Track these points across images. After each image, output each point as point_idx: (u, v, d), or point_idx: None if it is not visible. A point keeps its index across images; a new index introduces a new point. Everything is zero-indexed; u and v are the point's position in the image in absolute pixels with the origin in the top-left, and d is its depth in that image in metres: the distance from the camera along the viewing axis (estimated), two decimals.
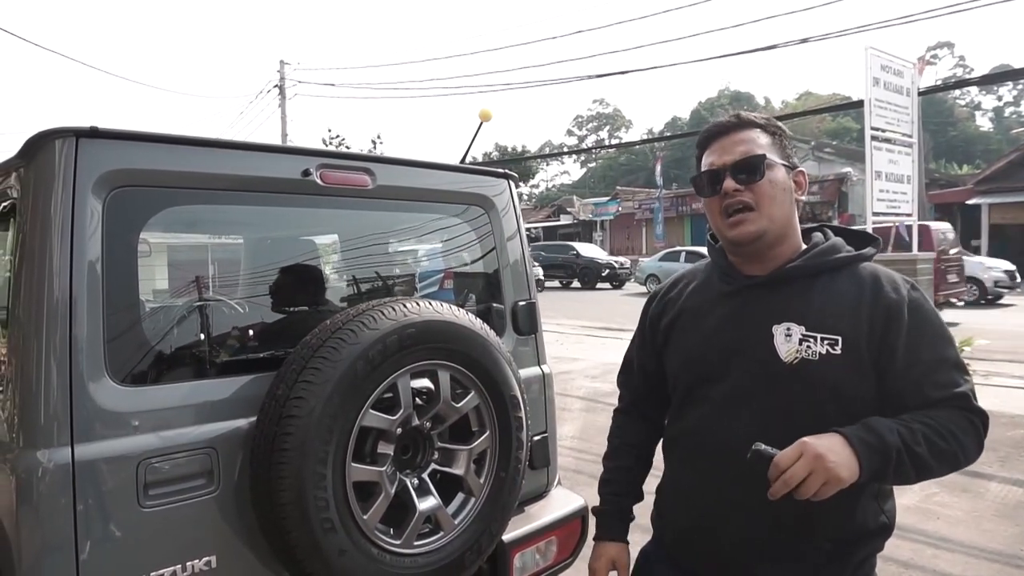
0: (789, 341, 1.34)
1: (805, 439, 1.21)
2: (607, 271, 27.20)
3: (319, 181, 1.96)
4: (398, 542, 1.79)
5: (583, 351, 11.36)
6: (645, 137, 64.66)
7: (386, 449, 1.81)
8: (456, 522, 1.92)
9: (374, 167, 2.10)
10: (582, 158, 72.09)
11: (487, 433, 1.99)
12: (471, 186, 2.40)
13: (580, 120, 71.88)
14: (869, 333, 1.31)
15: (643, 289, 23.85)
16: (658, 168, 35.21)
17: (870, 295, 1.34)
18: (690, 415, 1.49)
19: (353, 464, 1.70)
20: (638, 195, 38.91)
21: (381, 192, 2.11)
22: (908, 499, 4.44)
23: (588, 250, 29.13)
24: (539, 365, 2.55)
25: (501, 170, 2.51)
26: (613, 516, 1.71)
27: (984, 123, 59.28)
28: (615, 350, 11.28)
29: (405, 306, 1.80)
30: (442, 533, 1.89)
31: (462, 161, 2.54)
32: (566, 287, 28.23)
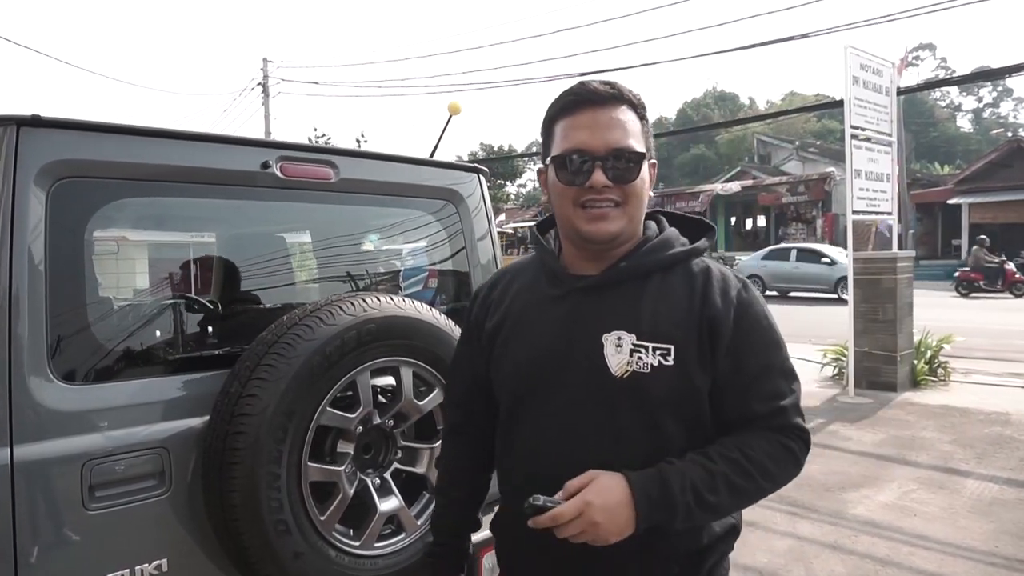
0: (620, 352, 1.21)
1: (590, 498, 1.10)
2: None
3: (279, 174, 1.91)
4: (357, 544, 1.74)
5: None
6: None
7: (346, 448, 1.76)
8: (419, 523, 1.88)
9: (337, 160, 2.04)
10: None
11: None
12: (439, 180, 2.35)
13: None
14: (699, 340, 1.21)
15: None
16: None
17: (699, 299, 1.23)
18: (519, 435, 1.30)
19: (310, 464, 1.65)
20: None
21: (344, 186, 2.06)
22: (885, 496, 4.45)
23: None
24: None
25: (470, 164, 2.46)
26: (446, 558, 1.46)
27: (964, 124, 59.98)
28: None
29: (365, 301, 1.75)
30: (404, 534, 1.84)
31: (431, 155, 2.49)
32: None
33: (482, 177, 2.50)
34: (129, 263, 1.85)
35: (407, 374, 1.83)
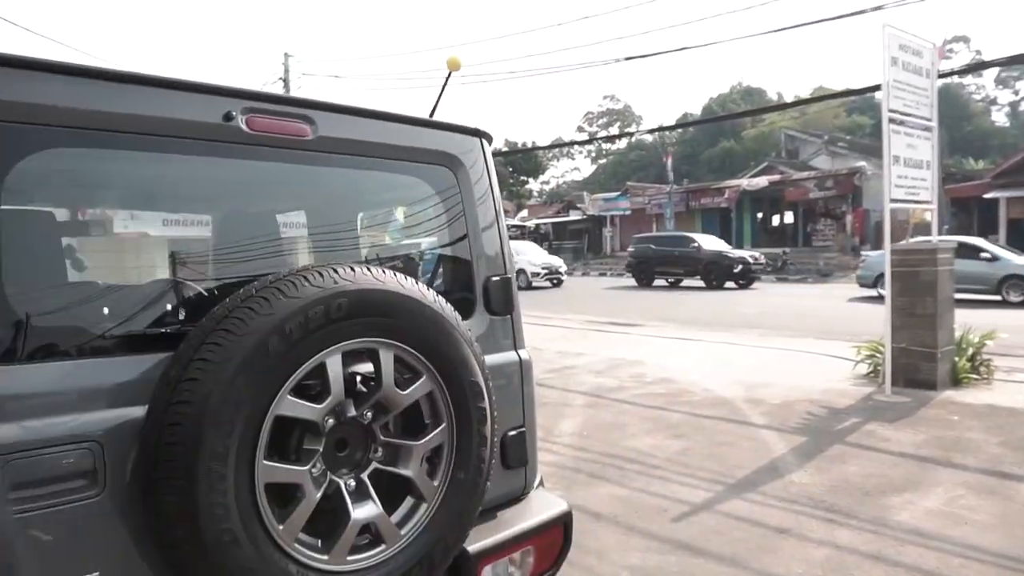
0: None
1: None
2: (739, 267, 22.38)
3: (244, 128, 1.65)
4: (326, 557, 1.48)
5: (588, 346, 11.05)
6: (656, 134, 64.06)
7: (314, 444, 1.50)
8: (402, 532, 1.61)
9: (315, 115, 1.79)
10: (592, 154, 71.63)
11: (442, 426, 1.68)
12: (435, 143, 2.08)
13: (591, 116, 71.24)
14: None
15: (870, 292, 17.26)
16: (668, 163, 34.82)
17: None
18: None
19: (265, 462, 1.39)
20: (648, 190, 38.48)
21: (323, 144, 1.80)
22: (932, 502, 4.10)
23: (711, 242, 24.32)
24: (516, 350, 2.23)
25: (472, 126, 2.19)
26: None
27: (1000, 118, 58.32)
28: (622, 345, 10.96)
29: (335, 272, 1.49)
30: (383, 546, 1.57)
31: (430, 115, 2.22)
32: (674, 286, 24.09)
33: (485, 141, 2.23)
34: (59, 226, 1.60)
35: (387, 358, 1.56)
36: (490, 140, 2.27)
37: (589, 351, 10.50)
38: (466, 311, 2.11)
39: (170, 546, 1.30)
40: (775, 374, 8.13)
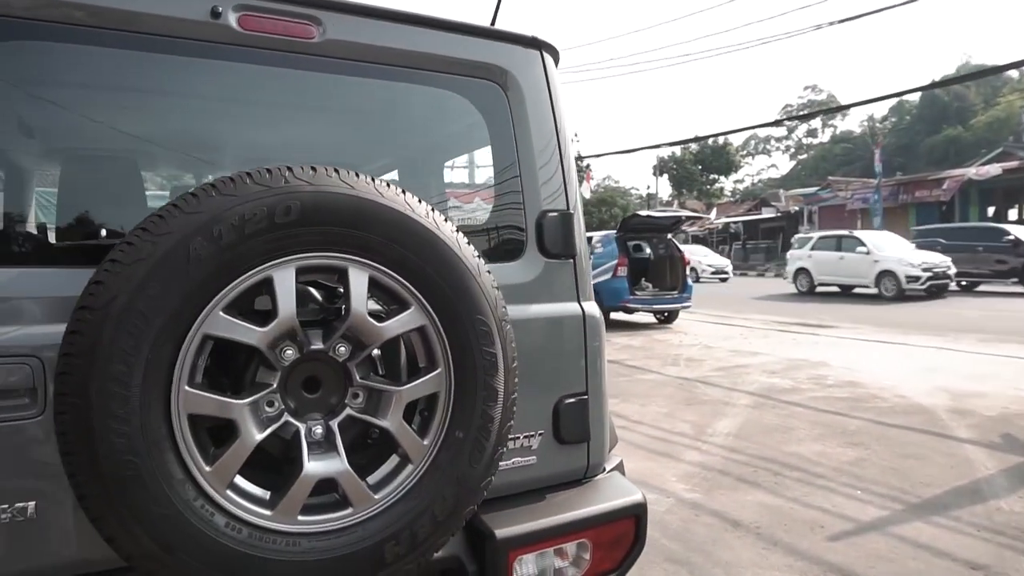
0: None
1: None
2: None
3: (236, 27, 1.47)
4: (269, 513, 1.23)
5: (767, 345, 10.09)
6: (865, 124, 58.37)
7: (267, 378, 1.26)
8: (377, 496, 1.32)
9: (323, 14, 1.56)
10: (791, 149, 67.00)
11: (437, 372, 1.37)
12: (480, 53, 1.77)
13: (789, 110, 66.61)
14: None
15: None
16: (877, 154, 31.45)
17: None
18: None
19: (187, 389, 1.16)
20: (852, 184, 35.00)
21: (332, 49, 1.57)
22: None
23: None
24: (579, 301, 1.86)
25: (530, 35, 1.85)
26: None
27: None
28: (807, 346, 9.87)
29: (288, 170, 1.24)
30: (350, 509, 1.30)
31: (491, 24, 1.90)
32: (967, 289, 18.51)
33: (548, 55, 1.88)
34: (10, 130, 1.50)
35: (359, 280, 1.28)
36: (556, 56, 1.91)
37: (766, 351, 9.57)
38: (513, 250, 1.79)
39: (71, 475, 1.12)
40: (993, 382, 6.82)
